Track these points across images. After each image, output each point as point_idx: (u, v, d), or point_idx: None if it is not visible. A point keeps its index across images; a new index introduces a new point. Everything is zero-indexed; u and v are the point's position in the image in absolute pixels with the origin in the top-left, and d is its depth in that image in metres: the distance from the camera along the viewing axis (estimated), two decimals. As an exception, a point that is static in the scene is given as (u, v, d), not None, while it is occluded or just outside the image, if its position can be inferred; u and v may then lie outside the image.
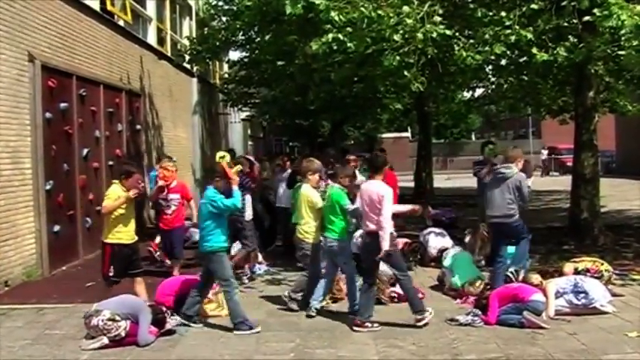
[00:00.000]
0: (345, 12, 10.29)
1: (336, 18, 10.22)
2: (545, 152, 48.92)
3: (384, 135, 56.01)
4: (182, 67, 23.69)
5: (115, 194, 8.91)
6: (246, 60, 23.62)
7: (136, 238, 9.23)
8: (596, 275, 9.88)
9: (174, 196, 11.62)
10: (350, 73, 15.62)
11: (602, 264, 10.28)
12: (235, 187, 8.70)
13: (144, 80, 19.47)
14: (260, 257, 12.65)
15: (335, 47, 11.14)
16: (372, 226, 8.62)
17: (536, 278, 9.41)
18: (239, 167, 8.97)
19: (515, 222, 10.11)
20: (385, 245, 8.43)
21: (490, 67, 17.02)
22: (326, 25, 10.76)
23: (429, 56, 12.05)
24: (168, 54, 23.04)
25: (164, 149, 21.30)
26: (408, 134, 60.61)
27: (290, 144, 46.85)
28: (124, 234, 8.97)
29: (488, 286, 9.75)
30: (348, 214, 9.28)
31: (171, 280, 9.70)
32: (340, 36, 10.69)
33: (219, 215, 8.66)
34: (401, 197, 14.90)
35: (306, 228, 9.51)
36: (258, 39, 18.92)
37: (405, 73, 11.70)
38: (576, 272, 9.91)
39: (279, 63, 19.87)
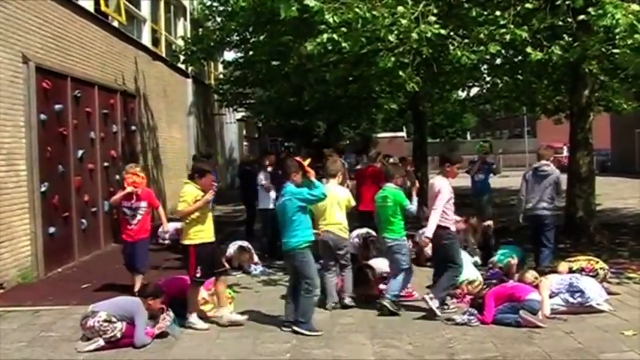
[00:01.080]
0: (339, 13, 10.24)
1: (330, 20, 10.18)
2: (565, 149, 47.96)
3: (380, 135, 55.92)
4: (177, 67, 23.71)
5: (191, 196, 8.76)
6: (240, 60, 23.59)
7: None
8: (591, 274, 9.90)
9: (142, 204, 10.53)
10: (345, 73, 15.60)
11: (597, 262, 10.31)
12: (314, 179, 8.62)
13: (138, 81, 19.42)
14: (256, 258, 12.62)
15: (330, 47, 11.10)
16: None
17: (531, 274, 9.41)
18: (309, 160, 8.90)
19: (553, 215, 11.29)
20: (428, 232, 9.29)
21: (485, 66, 17.05)
22: (321, 25, 10.73)
23: (424, 56, 12.08)
24: (163, 55, 23.05)
25: (159, 150, 21.37)
26: (404, 134, 60.55)
27: (285, 144, 46.82)
28: (205, 232, 8.88)
29: (485, 286, 9.75)
30: (407, 213, 9.59)
31: (168, 281, 9.63)
32: (335, 36, 10.66)
33: (305, 209, 8.63)
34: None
35: (345, 226, 9.91)
36: (253, 39, 18.92)
37: (400, 73, 11.72)
38: (571, 271, 9.93)
39: (274, 63, 19.79)
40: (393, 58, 11.23)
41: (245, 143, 41.56)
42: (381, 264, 10.35)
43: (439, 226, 9.20)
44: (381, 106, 26.73)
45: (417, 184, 10.94)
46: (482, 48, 11.69)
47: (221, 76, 30.23)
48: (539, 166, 11.44)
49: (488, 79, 20.53)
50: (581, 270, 10.01)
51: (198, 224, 8.79)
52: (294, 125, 35.34)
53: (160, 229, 15.50)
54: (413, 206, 9.68)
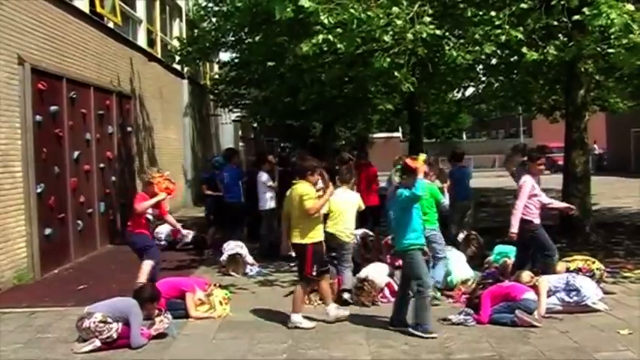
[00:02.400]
0: (334, 13, 10.24)
1: (325, 20, 10.18)
2: (596, 147, 46.13)
3: (376, 135, 55.93)
4: (172, 68, 23.79)
5: (313, 192, 8.83)
6: (236, 61, 23.59)
7: None
8: (587, 274, 9.91)
9: (154, 211, 10.64)
10: (340, 74, 15.60)
11: (594, 262, 10.33)
12: (420, 177, 8.48)
13: (134, 82, 19.44)
14: (251, 259, 12.63)
15: (325, 48, 11.10)
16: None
17: (527, 275, 9.43)
18: (424, 157, 8.87)
19: None
20: (512, 228, 9.92)
21: (480, 66, 17.09)
22: (316, 26, 10.74)
23: (419, 56, 12.11)
24: (159, 55, 23.10)
25: (155, 151, 21.40)
26: (399, 134, 60.60)
27: (282, 145, 46.77)
28: (319, 231, 8.97)
29: (481, 286, 9.79)
30: (442, 207, 10.52)
31: (165, 282, 9.62)
32: (330, 37, 10.66)
33: (406, 210, 8.54)
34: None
35: (352, 231, 10.72)
36: (249, 40, 18.97)
37: (396, 73, 11.74)
38: (568, 271, 9.95)
39: (270, 64, 19.83)
40: (388, 59, 11.25)
41: (241, 144, 41.45)
42: (380, 276, 10.26)
43: (523, 220, 9.85)
44: (377, 107, 26.73)
45: (448, 182, 12.01)
46: (477, 48, 11.70)
47: (216, 76, 30.21)
48: None
49: (483, 79, 20.51)
50: (578, 270, 10.03)
51: (315, 223, 8.89)
52: (290, 125, 35.29)
53: (156, 230, 15.61)
54: (446, 200, 10.75)
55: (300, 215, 8.78)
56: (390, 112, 29.46)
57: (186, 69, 24.90)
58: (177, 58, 20.48)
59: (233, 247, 12.53)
